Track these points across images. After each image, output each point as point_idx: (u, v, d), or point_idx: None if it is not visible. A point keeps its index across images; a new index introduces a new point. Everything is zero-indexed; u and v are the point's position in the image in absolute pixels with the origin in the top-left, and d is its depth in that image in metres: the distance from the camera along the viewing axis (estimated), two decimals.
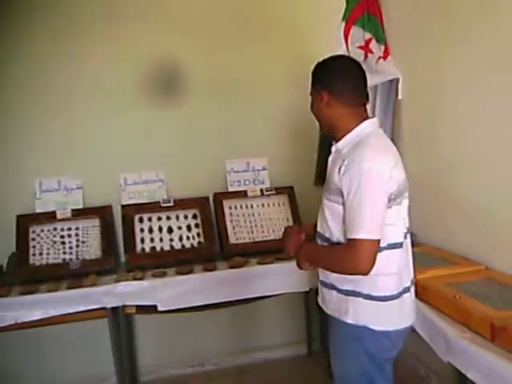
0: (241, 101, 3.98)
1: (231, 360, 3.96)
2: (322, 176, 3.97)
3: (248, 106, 4.00)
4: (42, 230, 3.60)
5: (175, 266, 3.49)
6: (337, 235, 2.05)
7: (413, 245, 3.31)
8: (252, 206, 3.90)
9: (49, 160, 3.74)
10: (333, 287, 2.11)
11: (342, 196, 1.96)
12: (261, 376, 3.85)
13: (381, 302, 2.02)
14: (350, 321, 2.05)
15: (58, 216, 3.63)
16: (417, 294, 2.60)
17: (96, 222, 3.68)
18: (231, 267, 3.45)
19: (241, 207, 3.86)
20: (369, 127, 2.08)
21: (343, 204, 1.96)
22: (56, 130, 3.73)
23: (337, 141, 2.12)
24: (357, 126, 2.07)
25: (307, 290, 3.57)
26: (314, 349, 4.16)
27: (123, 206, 3.72)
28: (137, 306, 3.34)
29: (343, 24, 3.88)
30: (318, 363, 3.93)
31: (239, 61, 3.96)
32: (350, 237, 1.91)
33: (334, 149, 2.14)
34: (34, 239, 3.57)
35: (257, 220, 3.86)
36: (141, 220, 3.72)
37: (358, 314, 2.04)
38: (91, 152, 3.77)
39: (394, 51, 3.68)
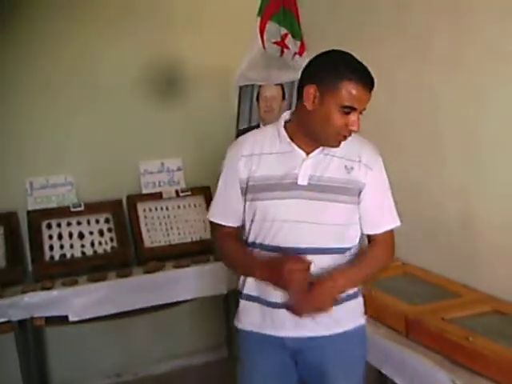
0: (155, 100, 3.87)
1: (151, 368, 3.83)
2: None
3: (162, 104, 3.88)
4: None
5: (88, 273, 3.35)
6: (351, 238, 1.88)
7: None
8: (167, 208, 3.79)
9: None
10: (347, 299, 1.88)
11: (359, 194, 1.83)
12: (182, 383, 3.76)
13: None
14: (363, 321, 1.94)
15: None
16: None
17: (0, 229, 3.46)
18: (147, 272, 3.35)
19: (156, 209, 3.75)
20: None
21: (358, 202, 1.84)
22: None
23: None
24: None
25: (225, 292, 3.50)
26: (234, 352, 4.09)
27: (29, 212, 3.53)
28: (46, 318, 3.17)
29: (258, 19, 3.84)
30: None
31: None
32: (384, 230, 1.88)
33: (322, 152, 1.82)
34: None
35: (172, 222, 3.75)
36: (49, 226, 3.54)
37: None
38: None
39: (310, 47, 3.66)
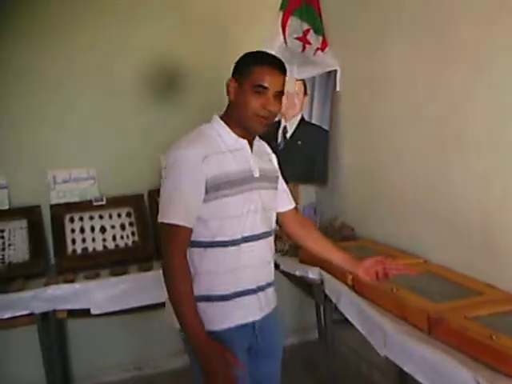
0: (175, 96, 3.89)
1: (171, 362, 3.82)
2: None
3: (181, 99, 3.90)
4: None
5: (109, 266, 3.37)
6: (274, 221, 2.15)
7: (350, 239, 3.33)
8: None
9: None
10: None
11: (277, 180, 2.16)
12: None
13: None
14: None
15: None
16: (354, 289, 2.59)
17: (23, 223, 3.50)
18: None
19: None
20: None
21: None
22: None
23: (253, 138, 2.04)
24: None
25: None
26: None
27: (52, 206, 3.56)
28: (68, 311, 3.20)
29: (281, 14, 3.83)
30: None
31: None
32: (294, 205, 2.31)
33: (256, 145, 2.07)
34: None
35: None
36: (71, 220, 3.57)
37: None
38: (17, 149, 3.58)
39: (332, 43, 3.65)
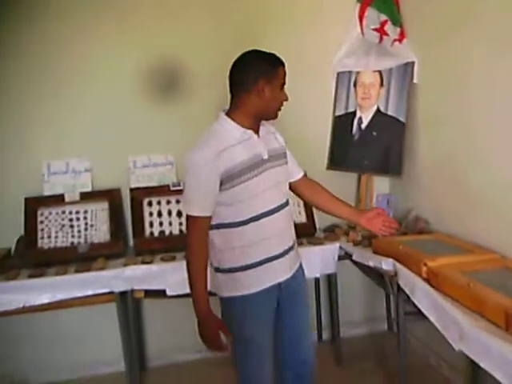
0: None
1: None
2: (334, 160, 3.94)
3: None
4: (51, 213, 3.58)
5: (184, 250, 3.43)
6: (288, 191, 2.50)
7: (425, 232, 3.30)
8: None
9: (57, 142, 3.70)
10: None
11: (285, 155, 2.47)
12: None
13: None
14: None
15: (67, 199, 3.60)
16: (429, 281, 2.58)
17: (105, 205, 3.64)
18: None
19: None
20: None
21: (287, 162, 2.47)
22: (65, 113, 3.68)
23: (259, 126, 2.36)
24: None
25: (317, 276, 3.55)
26: (324, 337, 4.13)
27: (132, 190, 3.69)
28: (145, 291, 3.32)
29: (358, 5, 3.83)
30: (328, 351, 3.91)
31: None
32: (302, 172, 2.67)
33: (262, 130, 2.38)
34: (42, 222, 3.54)
35: None
36: (150, 204, 3.68)
37: None
38: (100, 134, 3.72)
39: (410, 34, 3.61)
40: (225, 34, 3.77)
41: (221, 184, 2.19)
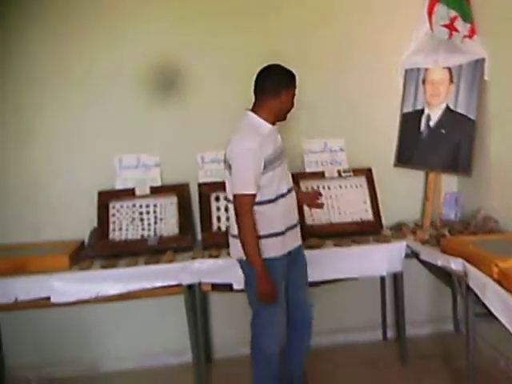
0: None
1: None
2: (401, 158, 3.91)
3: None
4: (122, 206, 3.69)
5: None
6: None
7: (494, 231, 3.24)
8: (329, 188, 3.84)
9: (128, 137, 3.81)
10: None
11: None
12: (334, 358, 3.85)
13: None
14: None
15: (137, 193, 3.70)
16: (500, 283, 2.54)
17: (174, 199, 3.73)
18: (309, 248, 3.39)
19: (317, 188, 3.78)
20: None
21: None
22: (135, 109, 3.79)
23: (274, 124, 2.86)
24: None
25: (384, 274, 3.53)
26: (389, 335, 4.10)
27: (200, 185, 3.75)
28: (212, 284, 3.38)
29: (427, 1, 3.79)
30: (393, 349, 3.89)
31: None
32: None
33: (275, 128, 2.88)
34: (113, 215, 3.66)
35: (334, 201, 3.80)
36: (217, 199, 3.74)
37: None
38: (169, 130, 3.82)
39: (482, 30, 3.54)
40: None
41: (263, 168, 2.70)
